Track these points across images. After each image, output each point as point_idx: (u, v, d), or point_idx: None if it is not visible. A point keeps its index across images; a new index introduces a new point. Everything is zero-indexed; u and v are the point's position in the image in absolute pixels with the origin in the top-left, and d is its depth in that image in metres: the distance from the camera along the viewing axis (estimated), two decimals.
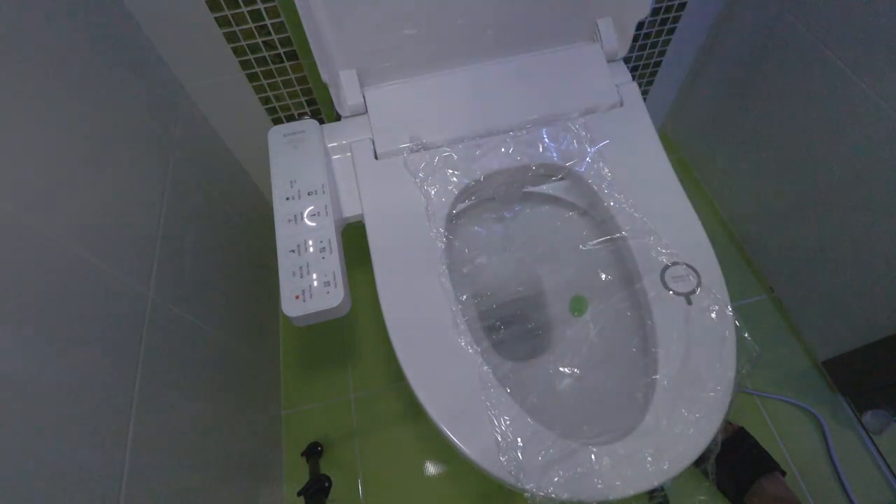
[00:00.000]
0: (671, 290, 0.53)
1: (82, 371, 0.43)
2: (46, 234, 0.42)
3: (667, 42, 0.90)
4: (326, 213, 0.55)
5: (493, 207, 0.68)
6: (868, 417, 0.83)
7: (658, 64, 0.96)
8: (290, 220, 0.55)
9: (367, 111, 0.64)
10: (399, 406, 0.92)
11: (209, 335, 0.68)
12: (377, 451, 0.89)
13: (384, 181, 0.61)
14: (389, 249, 0.56)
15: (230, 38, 0.68)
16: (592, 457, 0.46)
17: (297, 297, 0.51)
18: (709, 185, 1.10)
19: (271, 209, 0.56)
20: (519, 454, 0.46)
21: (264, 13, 0.66)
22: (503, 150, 0.61)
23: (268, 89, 0.78)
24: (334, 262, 0.52)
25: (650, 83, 1.01)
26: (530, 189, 0.66)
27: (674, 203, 0.58)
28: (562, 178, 0.62)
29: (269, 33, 0.69)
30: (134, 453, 0.47)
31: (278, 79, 0.76)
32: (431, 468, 0.87)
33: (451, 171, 0.60)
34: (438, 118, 0.63)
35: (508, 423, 0.47)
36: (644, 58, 0.93)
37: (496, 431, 0.47)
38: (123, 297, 0.51)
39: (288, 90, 0.79)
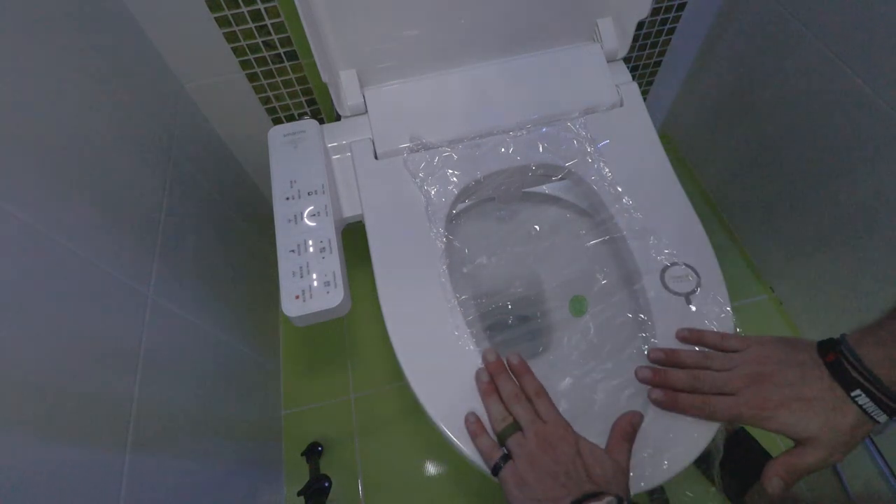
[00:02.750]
0: (671, 290, 0.53)
1: (82, 370, 0.43)
2: (46, 234, 0.42)
3: (667, 42, 0.90)
4: (326, 213, 0.55)
5: (493, 207, 0.68)
6: None
7: (658, 64, 0.96)
8: (290, 220, 0.55)
9: (367, 111, 0.64)
10: (399, 406, 0.92)
11: (209, 335, 0.68)
12: (377, 451, 0.89)
13: (384, 181, 0.61)
14: (389, 249, 0.56)
15: (230, 38, 0.68)
16: None
17: (297, 297, 0.51)
18: (708, 185, 1.10)
19: (271, 209, 0.56)
20: None
21: (264, 13, 0.66)
22: (503, 150, 0.61)
23: (268, 89, 0.78)
24: (334, 262, 0.52)
25: (650, 83, 1.01)
26: (530, 189, 0.66)
27: (674, 203, 0.58)
28: (562, 178, 0.62)
29: (269, 33, 0.69)
30: (134, 453, 0.47)
31: (278, 79, 0.76)
32: (431, 468, 0.87)
33: (451, 171, 0.60)
34: (438, 118, 0.63)
35: None
36: (644, 58, 0.93)
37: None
38: (123, 297, 0.51)
39: (288, 90, 0.79)
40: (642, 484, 0.45)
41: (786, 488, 0.42)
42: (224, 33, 0.67)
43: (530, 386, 0.48)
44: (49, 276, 0.41)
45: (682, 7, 0.83)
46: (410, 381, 0.50)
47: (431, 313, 0.53)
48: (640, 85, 0.73)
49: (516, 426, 0.45)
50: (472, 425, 0.47)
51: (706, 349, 0.49)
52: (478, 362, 0.50)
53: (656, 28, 0.87)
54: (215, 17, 0.65)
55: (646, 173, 0.60)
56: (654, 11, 0.83)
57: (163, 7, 0.63)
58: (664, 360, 0.49)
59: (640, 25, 0.67)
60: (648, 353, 0.50)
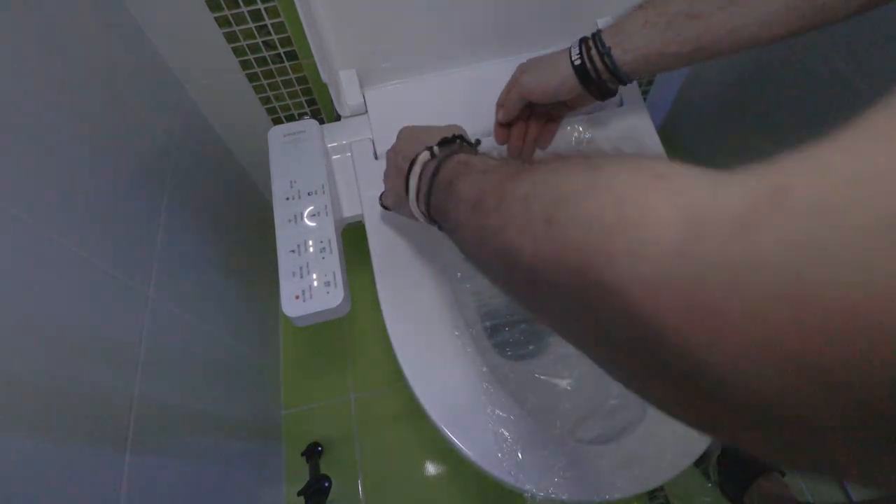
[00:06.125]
0: None
1: (82, 370, 0.43)
2: (46, 234, 0.42)
3: None
4: (326, 213, 0.55)
5: None
6: None
7: None
8: (290, 220, 0.55)
9: (367, 111, 0.64)
10: (399, 406, 0.92)
11: (209, 335, 0.68)
12: (377, 451, 0.89)
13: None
14: (389, 249, 0.56)
15: (230, 38, 0.68)
16: (592, 457, 0.46)
17: (296, 298, 0.51)
18: None
19: (271, 209, 0.56)
20: (519, 454, 0.46)
21: (264, 13, 0.66)
22: (503, 149, 0.61)
23: (268, 89, 0.78)
24: (334, 262, 0.52)
25: (650, 83, 1.00)
26: None
27: None
28: None
29: (269, 33, 0.69)
30: (134, 453, 0.47)
31: (278, 79, 0.76)
32: (431, 468, 0.87)
33: None
34: (439, 118, 0.63)
35: (508, 423, 0.47)
36: None
37: (496, 432, 0.47)
38: (123, 296, 0.51)
39: (288, 90, 0.79)
40: (642, 486, 0.45)
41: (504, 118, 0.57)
42: (224, 33, 0.67)
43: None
44: (49, 276, 0.41)
45: None
46: (411, 381, 0.50)
47: (431, 313, 0.53)
48: (640, 85, 0.73)
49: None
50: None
51: None
52: (478, 362, 0.50)
53: None
54: (215, 17, 0.65)
55: None
56: None
57: (163, 7, 0.63)
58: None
59: None
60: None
